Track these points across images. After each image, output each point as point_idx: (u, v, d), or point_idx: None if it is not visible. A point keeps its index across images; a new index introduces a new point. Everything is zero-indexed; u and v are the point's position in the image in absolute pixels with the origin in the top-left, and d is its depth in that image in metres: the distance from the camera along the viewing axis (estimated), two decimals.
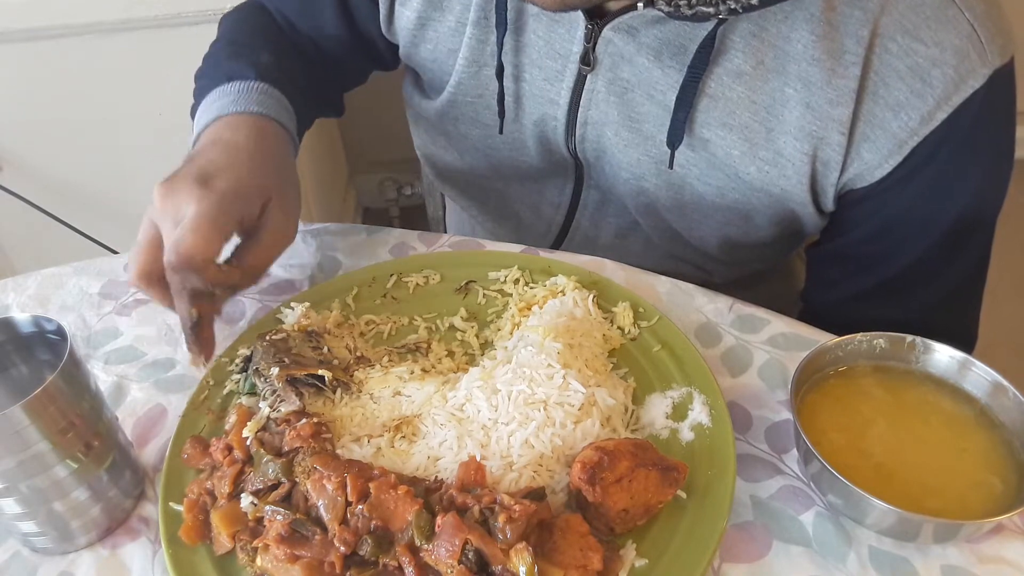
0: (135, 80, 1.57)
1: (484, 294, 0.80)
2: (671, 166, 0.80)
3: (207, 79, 0.87)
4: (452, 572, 0.53)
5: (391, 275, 0.81)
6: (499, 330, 0.75)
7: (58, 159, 1.69)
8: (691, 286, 0.81)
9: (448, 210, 1.27)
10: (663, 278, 0.82)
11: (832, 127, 0.73)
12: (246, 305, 0.82)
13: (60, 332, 0.59)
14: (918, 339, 0.66)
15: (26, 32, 1.49)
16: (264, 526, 0.58)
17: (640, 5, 0.70)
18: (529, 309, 0.76)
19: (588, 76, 0.80)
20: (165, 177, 0.71)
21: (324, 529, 0.56)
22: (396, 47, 0.94)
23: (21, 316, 0.59)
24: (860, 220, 0.81)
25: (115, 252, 1.02)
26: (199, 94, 0.87)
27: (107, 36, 1.51)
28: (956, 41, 0.69)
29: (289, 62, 0.91)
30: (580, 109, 0.83)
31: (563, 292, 0.77)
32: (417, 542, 0.55)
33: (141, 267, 0.70)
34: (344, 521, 0.56)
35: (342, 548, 0.55)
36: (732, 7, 0.67)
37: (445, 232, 1.07)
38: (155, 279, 0.70)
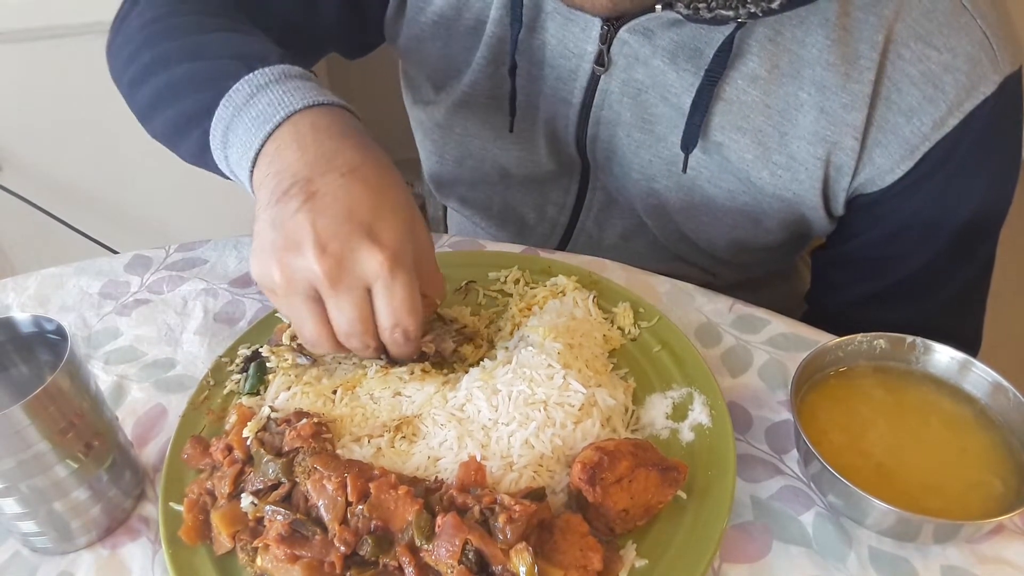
0: None
1: (484, 294, 0.80)
2: (684, 170, 0.80)
3: (201, 60, 0.69)
4: (452, 572, 0.53)
5: None
6: (499, 330, 0.75)
7: (58, 159, 1.69)
8: (691, 286, 0.81)
9: (449, 210, 1.27)
10: (663, 278, 0.82)
11: (846, 132, 0.73)
12: (246, 305, 0.82)
13: (60, 332, 0.58)
14: (918, 339, 0.66)
15: (26, 32, 1.49)
16: (264, 526, 0.58)
17: (658, 7, 0.70)
18: (529, 309, 0.76)
19: (602, 77, 0.80)
20: (316, 234, 0.56)
21: (324, 529, 0.56)
22: (381, 31, 0.91)
23: (21, 316, 0.59)
24: (869, 224, 0.81)
25: (115, 252, 1.02)
26: (197, 86, 0.68)
27: (107, 36, 1.51)
28: (968, 48, 0.69)
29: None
30: (593, 109, 0.82)
31: (563, 292, 0.77)
32: (417, 542, 0.54)
33: (334, 344, 0.62)
34: (344, 521, 0.56)
35: (342, 548, 0.55)
36: (752, 11, 0.67)
37: (445, 232, 1.07)
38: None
